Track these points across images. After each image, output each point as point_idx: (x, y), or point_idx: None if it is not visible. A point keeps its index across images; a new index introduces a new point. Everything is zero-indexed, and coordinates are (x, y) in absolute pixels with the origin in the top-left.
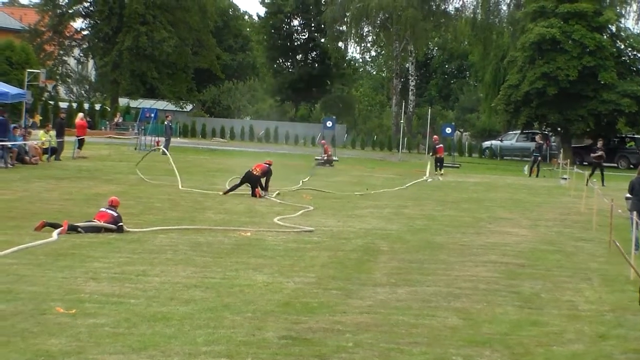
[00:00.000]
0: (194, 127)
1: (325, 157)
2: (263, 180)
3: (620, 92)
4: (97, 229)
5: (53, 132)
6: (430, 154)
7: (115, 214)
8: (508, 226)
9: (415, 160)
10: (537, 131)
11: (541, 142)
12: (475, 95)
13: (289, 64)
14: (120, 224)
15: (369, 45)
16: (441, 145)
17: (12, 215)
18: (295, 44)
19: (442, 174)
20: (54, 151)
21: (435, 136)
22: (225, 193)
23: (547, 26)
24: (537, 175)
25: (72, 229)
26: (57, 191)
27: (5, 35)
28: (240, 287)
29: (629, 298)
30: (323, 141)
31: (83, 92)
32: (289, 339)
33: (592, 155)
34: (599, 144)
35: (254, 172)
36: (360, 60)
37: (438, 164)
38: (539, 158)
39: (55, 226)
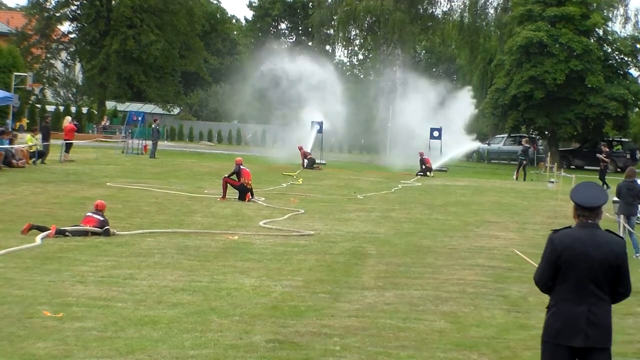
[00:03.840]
0: (181, 131)
1: (307, 161)
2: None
3: (608, 96)
4: (84, 233)
5: (39, 136)
6: (420, 170)
7: (102, 218)
8: (495, 230)
9: (402, 163)
10: (524, 135)
11: (527, 145)
12: None
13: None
14: (107, 227)
15: (356, 48)
16: (427, 157)
17: None
18: (283, 47)
19: (432, 176)
20: (41, 155)
21: (420, 151)
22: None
23: (534, 30)
24: (524, 179)
25: (60, 233)
26: (44, 195)
27: None
28: (227, 291)
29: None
30: (300, 145)
31: (70, 95)
32: (277, 343)
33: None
34: (603, 149)
35: (248, 186)
36: (348, 63)
37: (428, 172)
38: (525, 161)
39: (41, 229)
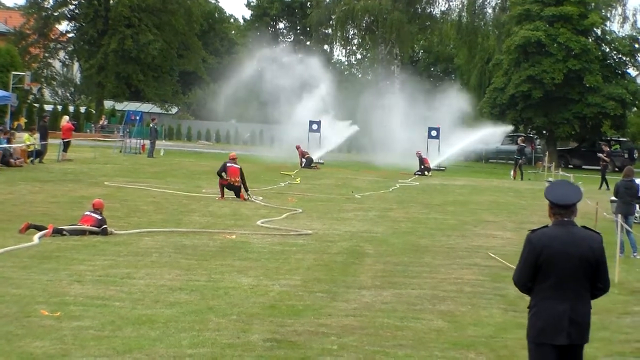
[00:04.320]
0: (179, 130)
1: (305, 161)
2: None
3: (606, 95)
4: (82, 232)
5: (37, 135)
6: (419, 169)
7: (100, 217)
8: (493, 229)
9: (400, 162)
10: (522, 134)
11: (523, 144)
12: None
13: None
14: (105, 226)
15: (354, 48)
16: (425, 157)
17: None
18: (281, 46)
19: (430, 175)
20: (39, 154)
21: (418, 151)
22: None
23: (532, 29)
24: (521, 178)
25: (57, 232)
26: (42, 194)
27: None
28: (225, 290)
29: (613, 301)
30: (297, 144)
31: (68, 94)
32: (274, 342)
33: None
34: (604, 148)
35: (236, 184)
36: (346, 63)
37: (426, 172)
38: (521, 160)
39: (39, 228)
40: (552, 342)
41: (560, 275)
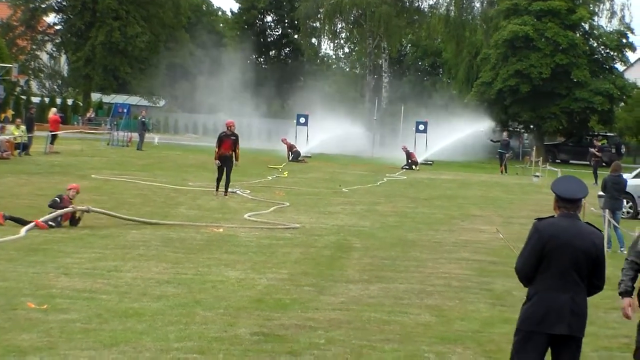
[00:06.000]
0: (166, 123)
1: (292, 154)
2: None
3: (593, 90)
4: (59, 216)
5: (24, 127)
6: (406, 163)
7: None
8: (480, 223)
9: (388, 156)
10: (510, 129)
11: (507, 139)
12: (449, 92)
13: (262, 59)
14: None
15: (342, 41)
16: (412, 151)
17: None
18: (269, 40)
19: (417, 170)
20: (25, 146)
21: (403, 145)
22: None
23: (520, 24)
24: (506, 172)
25: (46, 224)
26: (28, 186)
27: None
28: (212, 283)
29: (600, 296)
30: (283, 138)
31: (55, 87)
32: (261, 335)
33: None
34: (595, 143)
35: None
36: (334, 56)
37: (414, 166)
38: (508, 155)
39: (17, 220)
40: (551, 331)
41: (564, 266)
